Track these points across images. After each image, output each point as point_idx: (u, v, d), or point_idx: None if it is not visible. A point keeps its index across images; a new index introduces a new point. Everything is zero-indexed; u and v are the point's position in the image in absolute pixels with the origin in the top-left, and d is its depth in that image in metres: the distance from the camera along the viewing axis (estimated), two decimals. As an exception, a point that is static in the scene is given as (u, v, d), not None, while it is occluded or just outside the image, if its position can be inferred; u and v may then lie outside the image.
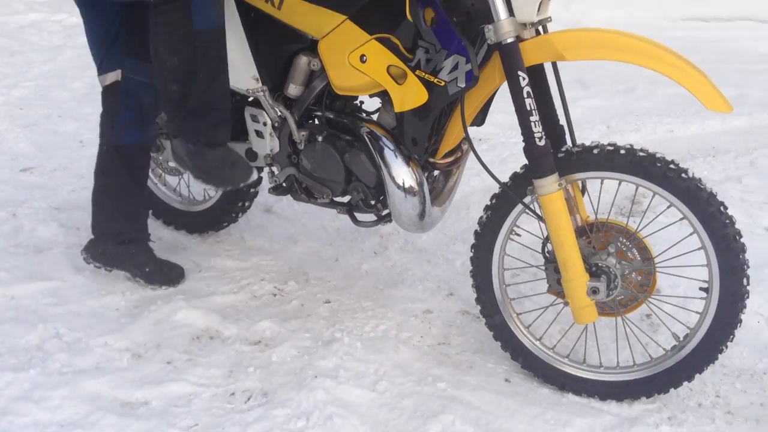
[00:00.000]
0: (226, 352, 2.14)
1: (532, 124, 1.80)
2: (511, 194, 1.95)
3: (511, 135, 3.72)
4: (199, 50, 1.95)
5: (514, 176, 1.96)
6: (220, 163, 2.12)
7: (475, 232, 2.06)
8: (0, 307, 2.28)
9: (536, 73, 1.91)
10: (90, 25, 2.20)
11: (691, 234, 1.86)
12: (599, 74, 4.56)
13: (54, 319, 2.22)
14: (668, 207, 1.87)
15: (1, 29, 5.57)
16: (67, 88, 4.35)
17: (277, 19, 2.11)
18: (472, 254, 2.08)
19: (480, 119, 2.09)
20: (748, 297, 1.84)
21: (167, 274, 2.45)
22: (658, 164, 1.80)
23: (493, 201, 2.02)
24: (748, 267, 1.83)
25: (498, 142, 3.57)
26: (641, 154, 1.82)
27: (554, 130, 1.97)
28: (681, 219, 1.86)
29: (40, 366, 2.04)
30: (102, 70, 2.23)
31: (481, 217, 2.04)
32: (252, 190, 2.67)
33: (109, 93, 2.25)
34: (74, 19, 5.78)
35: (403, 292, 2.46)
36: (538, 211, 1.93)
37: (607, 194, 2.20)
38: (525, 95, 1.79)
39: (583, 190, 2.02)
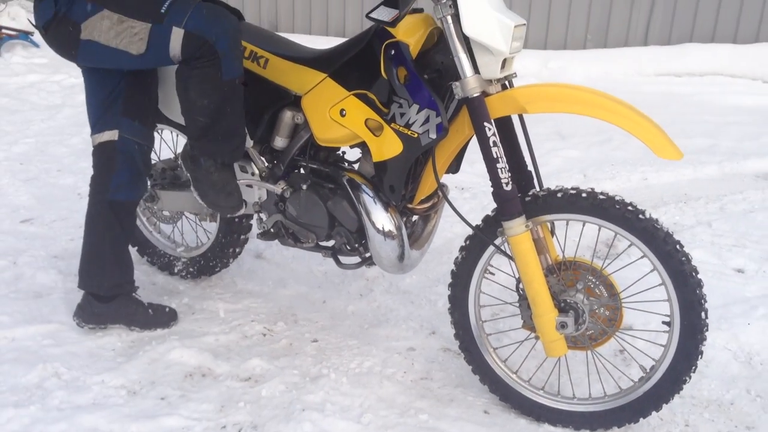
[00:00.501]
0: (218, 388, 2.23)
1: (499, 170, 1.93)
2: (483, 236, 2.07)
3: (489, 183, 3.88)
4: (226, 95, 2.14)
5: (486, 218, 2.09)
6: (219, 187, 2.28)
7: (452, 271, 2.18)
8: (2, 349, 2.37)
9: (505, 125, 2.07)
10: (92, 87, 2.33)
11: (651, 271, 1.95)
12: (577, 126, 4.75)
13: (53, 359, 2.31)
14: (629, 246, 1.98)
15: (2, 89, 5.76)
16: (66, 144, 4.51)
17: (262, 78, 2.28)
18: (449, 292, 2.20)
19: (455, 167, 2.22)
20: (707, 330, 1.93)
21: (160, 318, 2.54)
22: (617, 206, 1.91)
23: (467, 242, 2.15)
24: (706, 301, 1.92)
25: (479, 190, 3.73)
26: (601, 197, 1.93)
27: (523, 176, 2.11)
28: (641, 257, 1.97)
29: (40, 403, 2.12)
30: (97, 129, 2.34)
31: (456, 258, 2.17)
32: (242, 237, 2.80)
33: (102, 151, 2.35)
34: (72, 79, 6.01)
35: (388, 331, 2.57)
36: (508, 251, 2.05)
37: (586, 239, 2.34)
38: (491, 144, 1.92)
39: (553, 232, 2.14)
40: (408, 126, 2.03)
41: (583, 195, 1.95)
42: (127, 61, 2.14)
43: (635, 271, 2.13)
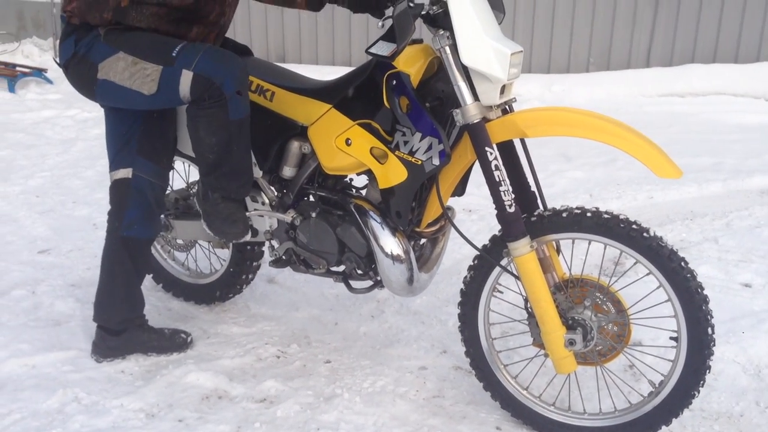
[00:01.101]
0: (234, 409, 2.27)
1: (502, 193, 1.98)
2: (489, 258, 2.11)
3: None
4: (233, 134, 2.23)
5: (493, 239, 2.13)
6: (225, 216, 2.34)
7: (461, 290, 2.22)
8: (23, 376, 2.42)
9: (507, 148, 2.12)
10: (111, 125, 2.43)
11: (657, 287, 1.98)
12: (582, 148, 4.81)
13: (73, 385, 2.36)
14: (635, 263, 2.02)
15: (18, 125, 5.88)
16: (81, 177, 4.60)
17: (269, 110, 2.35)
18: (459, 311, 2.24)
19: (460, 190, 2.28)
20: (714, 345, 1.96)
21: (175, 341, 2.59)
22: (622, 225, 1.95)
23: (475, 262, 2.19)
24: (712, 317, 1.95)
25: (487, 212, 3.77)
26: (606, 216, 1.97)
27: (526, 197, 2.16)
28: (647, 274, 1.99)
29: (61, 427, 2.17)
30: (114, 166, 2.42)
31: (465, 277, 2.21)
32: (254, 264, 2.86)
33: (117, 188, 2.43)
34: (85, 114, 6.12)
35: (399, 351, 2.61)
36: (514, 271, 2.08)
37: (593, 257, 2.38)
38: (493, 168, 1.98)
39: (558, 250, 2.18)
40: (412, 153, 2.08)
41: (588, 214, 1.99)
42: (140, 100, 2.22)
43: (643, 288, 2.13)
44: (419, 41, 2.14)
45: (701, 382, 1.97)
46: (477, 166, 2.12)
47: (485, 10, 1.98)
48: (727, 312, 2.75)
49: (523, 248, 1.99)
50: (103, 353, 2.52)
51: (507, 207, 1.98)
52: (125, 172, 2.38)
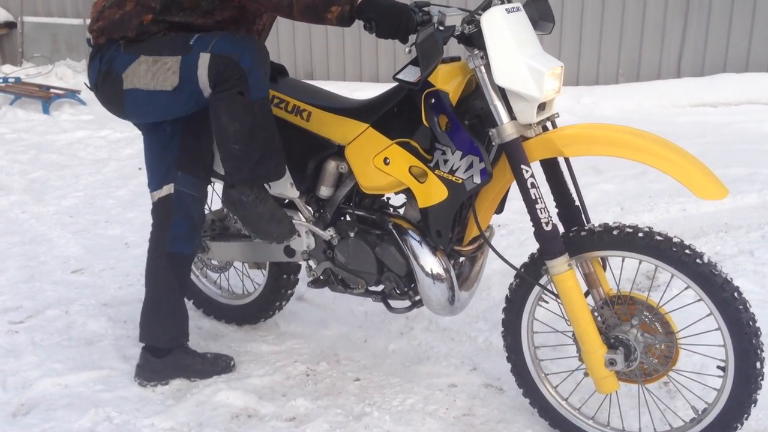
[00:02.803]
0: (263, 428, 2.27)
1: (538, 211, 1.97)
2: (528, 278, 2.09)
3: (528, 220, 3.89)
4: (257, 117, 2.21)
5: (532, 257, 2.11)
6: (268, 217, 2.31)
7: (506, 296, 2.20)
8: (55, 395, 2.45)
9: (551, 163, 2.10)
10: (149, 145, 2.45)
11: (708, 315, 1.93)
12: (612, 161, 4.72)
13: (104, 404, 2.38)
14: (686, 288, 1.95)
15: (52, 146, 6.00)
16: (113, 196, 4.67)
17: (306, 130, 2.35)
18: (503, 316, 2.21)
19: (499, 208, 2.25)
20: (762, 379, 1.91)
21: (218, 365, 2.57)
22: (674, 248, 1.90)
23: (517, 279, 2.16)
24: (762, 351, 1.90)
25: (516, 227, 3.75)
26: (658, 237, 1.92)
27: (571, 212, 2.14)
28: (698, 300, 1.94)
29: (93, 446, 2.19)
30: (154, 185, 2.44)
31: (511, 284, 2.18)
32: (288, 291, 2.86)
33: (161, 206, 2.43)
34: (117, 134, 6.22)
35: (429, 369, 2.59)
36: (553, 289, 2.05)
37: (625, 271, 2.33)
38: (529, 186, 1.96)
39: (604, 266, 2.15)
40: (452, 172, 2.06)
41: (640, 234, 1.94)
42: (165, 100, 2.23)
43: (693, 312, 2.07)
44: (457, 59, 2.12)
45: (746, 415, 1.93)
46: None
47: (523, 27, 1.98)
48: (765, 327, 2.67)
49: (560, 266, 1.97)
50: (147, 377, 2.52)
51: (544, 225, 1.97)
52: (168, 189, 2.40)
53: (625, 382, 2.10)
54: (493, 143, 2.00)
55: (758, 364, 1.88)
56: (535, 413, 2.25)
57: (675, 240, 1.92)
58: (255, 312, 2.89)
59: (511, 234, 3.71)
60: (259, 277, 2.88)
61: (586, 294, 2.09)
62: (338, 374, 2.57)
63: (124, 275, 3.41)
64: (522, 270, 2.11)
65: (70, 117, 7.02)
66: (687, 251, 1.90)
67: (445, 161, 2.07)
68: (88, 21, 2.36)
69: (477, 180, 2.02)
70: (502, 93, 1.96)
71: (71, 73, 8.27)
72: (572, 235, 2.04)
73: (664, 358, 2.03)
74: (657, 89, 6.45)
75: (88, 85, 2.38)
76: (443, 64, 2.05)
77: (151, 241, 2.47)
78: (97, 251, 3.74)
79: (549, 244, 1.98)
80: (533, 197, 1.96)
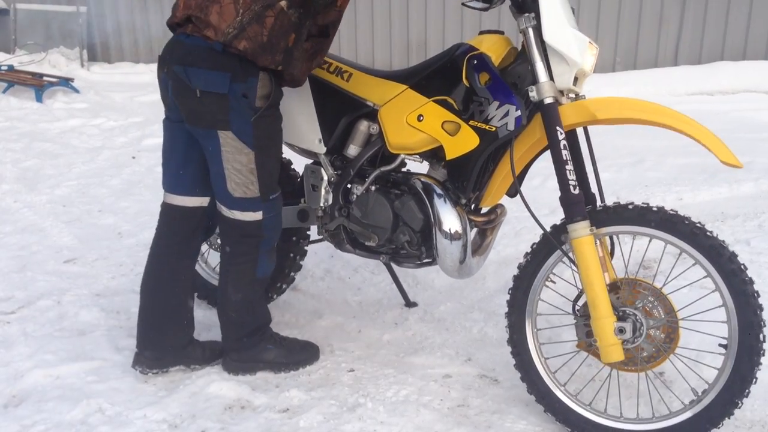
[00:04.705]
0: (257, 419, 2.25)
1: (568, 172, 2.02)
2: (553, 239, 2.12)
3: (524, 210, 3.88)
4: (258, 293, 2.44)
5: (554, 227, 2.15)
6: (273, 356, 2.52)
7: (515, 276, 2.21)
8: (47, 386, 2.43)
9: (570, 142, 2.13)
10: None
11: (712, 291, 1.97)
12: (607, 149, 4.74)
13: (96, 395, 2.36)
14: (693, 264, 2.00)
15: (45, 134, 5.95)
16: (106, 186, 4.64)
17: (342, 91, 2.44)
18: (509, 296, 2.22)
19: (513, 190, 2.30)
20: (764, 354, 1.93)
21: (216, 352, 2.57)
22: (686, 222, 1.98)
23: (533, 247, 2.19)
24: (765, 325, 1.93)
25: (512, 216, 3.71)
26: (671, 212, 2.01)
27: (586, 191, 2.16)
28: (704, 277, 1.98)
29: (85, 438, 2.17)
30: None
31: (520, 263, 2.21)
32: (292, 274, 2.86)
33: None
34: (111, 123, 6.18)
35: (423, 359, 2.57)
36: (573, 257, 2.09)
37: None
38: (562, 147, 2.02)
39: (612, 253, 2.18)
40: (486, 121, 2.14)
41: (654, 209, 2.02)
42: (218, 179, 2.28)
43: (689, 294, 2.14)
44: (501, 32, 2.26)
45: (747, 391, 1.94)
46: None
47: (567, 5, 2.11)
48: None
49: (582, 230, 2.01)
50: (149, 365, 2.47)
51: (572, 188, 2.01)
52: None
53: (629, 372, 2.10)
54: (532, 99, 2.06)
55: (761, 337, 1.92)
56: (530, 404, 2.24)
57: (685, 215, 2.01)
58: None
59: (507, 223, 3.68)
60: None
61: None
62: (332, 365, 2.56)
63: (117, 265, 3.39)
64: (549, 230, 2.14)
65: (64, 105, 6.97)
66: (698, 224, 1.97)
67: (481, 112, 2.15)
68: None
69: (511, 127, 2.09)
70: (545, 57, 2.05)
71: (65, 61, 8.22)
72: (588, 210, 2.08)
73: (666, 341, 2.05)
74: (654, 77, 6.43)
75: (190, 84, 2.17)
76: (487, 34, 2.23)
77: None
78: (90, 241, 3.71)
79: (574, 208, 2.02)
80: (564, 158, 2.01)
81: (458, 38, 7.43)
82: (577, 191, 2.02)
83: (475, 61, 2.15)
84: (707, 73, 6.29)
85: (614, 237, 2.19)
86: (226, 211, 2.32)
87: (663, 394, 2.23)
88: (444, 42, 7.51)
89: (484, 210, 2.45)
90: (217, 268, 2.95)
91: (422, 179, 2.32)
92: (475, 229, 2.41)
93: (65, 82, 7.31)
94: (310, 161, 2.63)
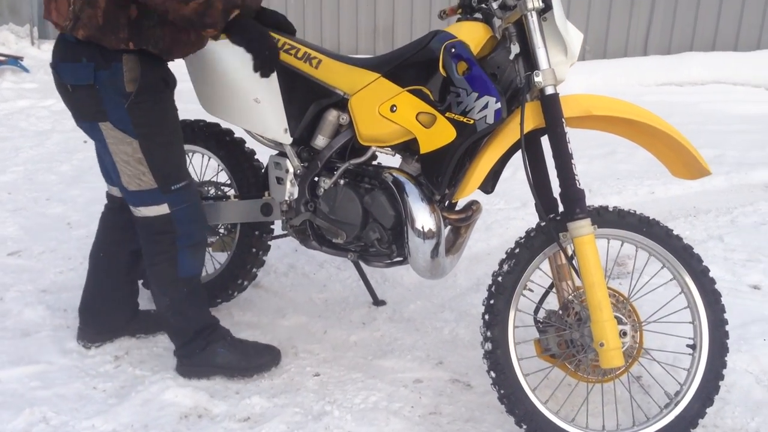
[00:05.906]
0: (215, 429, 2.10)
1: (573, 166, 1.93)
2: (551, 232, 2.00)
3: (495, 203, 3.78)
4: (184, 294, 2.30)
5: (548, 221, 2.00)
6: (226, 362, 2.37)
7: (496, 281, 2.04)
8: (-14, 393, 2.25)
9: (533, 144, 2.04)
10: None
11: (679, 294, 2.01)
12: (578, 140, 4.63)
13: (41, 403, 2.19)
14: (661, 268, 2.02)
15: (-9, 116, 5.66)
16: (55, 172, 4.40)
17: (310, 78, 2.29)
18: (491, 303, 2.04)
19: (490, 186, 2.23)
20: (728, 353, 2.00)
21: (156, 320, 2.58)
22: (661, 225, 2.01)
23: (521, 240, 2.06)
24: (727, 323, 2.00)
25: (485, 212, 3.62)
26: (645, 216, 2.03)
27: (549, 197, 2.06)
28: (670, 280, 2.02)
29: (26, 451, 2.00)
30: None
31: (499, 269, 2.05)
32: (254, 270, 2.72)
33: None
34: (62, 104, 5.87)
35: (393, 363, 2.45)
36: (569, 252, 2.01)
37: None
38: (567, 140, 1.92)
39: (571, 262, 2.04)
40: (464, 113, 2.02)
41: (632, 211, 2.03)
42: (114, 175, 2.20)
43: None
44: (479, 19, 2.15)
45: (718, 389, 1.99)
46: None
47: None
48: (737, 317, 2.60)
49: (585, 228, 1.91)
50: (91, 338, 2.51)
51: (577, 182, 1.92)
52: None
53: (601, 383, 2.04)
54: (536, 85, 1.92)
55: (727, 329, 2.00)
56: (504, 411, 2.12)
57: (652, 218, 2.04)
58: (214, 290, 2.70)
59: (479, 219, 3.57)
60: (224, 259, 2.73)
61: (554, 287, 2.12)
62: (296, 369, 2.41)
63: (66, 258, 3.19)
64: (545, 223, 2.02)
65: (12, 85, 6.64)
66: (669, 228, 2.02)
67: (459, 103, 2.03)
68: None
69: (490, 120, 1.99)
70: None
71: (14, 38, 7.87)
72: (558, 218, 2.00)
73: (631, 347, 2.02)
74: (624, 66, 6.39)
75: (60, 76, 2.14)
76: (465, 21, 2.12)
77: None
78: (37, 232, 3.49)
79: (577, 204, 1.92)
80: (570, 152, 1.93)
81: (426, 24, 7.29)
82: (581, 186, 1.92)
83: (453, 50, 2.04)
84: (677, 63, 6.26)
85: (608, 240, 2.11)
86: (133, 209, 2.23)
87: (641, 401, 2.16)
88: (412, 28, 7.36)
89: (458, 207, 2.32)
90: None
91: (394, 173, 2.20)
92: (448, 227, 2.29)
93: (14, 60, 6.98)
94: (275, 152, 2.48)
